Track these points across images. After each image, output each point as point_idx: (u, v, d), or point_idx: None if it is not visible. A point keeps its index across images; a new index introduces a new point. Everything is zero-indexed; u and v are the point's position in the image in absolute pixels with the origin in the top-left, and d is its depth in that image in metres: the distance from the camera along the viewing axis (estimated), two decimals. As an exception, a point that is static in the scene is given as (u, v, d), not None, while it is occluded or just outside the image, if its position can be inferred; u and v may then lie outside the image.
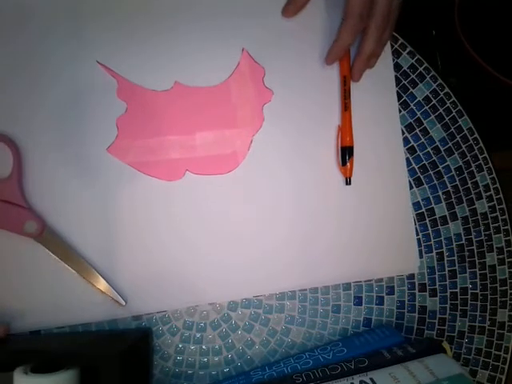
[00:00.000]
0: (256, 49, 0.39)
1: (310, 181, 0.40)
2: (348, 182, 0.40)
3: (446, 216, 0.42)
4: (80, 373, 0.31)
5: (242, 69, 0.39)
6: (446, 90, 0.43)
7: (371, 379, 0.32)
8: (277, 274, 0.39)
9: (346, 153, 0.40)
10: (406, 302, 0.42)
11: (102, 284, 0.37)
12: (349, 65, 0.40)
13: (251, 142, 0.39)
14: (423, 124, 0.43)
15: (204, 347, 0.39)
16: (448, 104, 0.43)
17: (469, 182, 0.43)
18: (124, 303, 0.37)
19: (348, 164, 0.40)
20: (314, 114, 0.40)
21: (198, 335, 0.39)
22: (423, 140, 0.43)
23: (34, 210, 0.37)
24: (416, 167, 0.42)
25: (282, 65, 0.40)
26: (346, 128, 0.40)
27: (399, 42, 0.42)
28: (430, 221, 0.42)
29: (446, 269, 0.42)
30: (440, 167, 0.43)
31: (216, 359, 0.39)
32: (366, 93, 0.41)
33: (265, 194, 0.40)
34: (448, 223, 0.42)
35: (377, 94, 0.41)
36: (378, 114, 0.41)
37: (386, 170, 0.41)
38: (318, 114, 0.40)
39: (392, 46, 0.42)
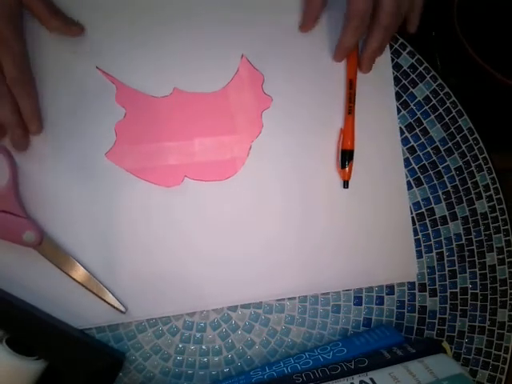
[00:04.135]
0: (255, 55, 0.39)
1: (309, 186, 0.40)
2: (345, 185, 0.40)
3: (445, 216, 0.42)
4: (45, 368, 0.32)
5: (241, 75, 0.39)
6: (446, 89, 0.43)
7: (371, 379, 0.32)
8: (272, 280, 0.39)
9: (345, 156, 0.40)
10: (406, 301, 0.42)
11: (101, 291, 0.37)
12: (355, 68, 0.40)
13: (250, 148, 0.39)
14: (423, 124, 0.43)
15: (204, 347, 0.39)
16: (448, 104, 0.43)
17: (469, 181, 0.43)
18: (124, 310, 0.37)
19: (347, 167, 0.40)
20: (312, 120, 0.40)
21: (198, 335, 0.39)
22: (423, 140, 0.43)
23: (32, 220, 0.36)
24: (416, 167, 0.42)
25: (281, 71, 0.40)
26: (348, 131, 0.40)
27: (399, 41, 0.42)
28: (429, 221, 0.42)
29: (446, 269, 0.42)
30: (440, 167, 0.43)
31: (216, 359, 0.39)
32: (366, 99, 0.41)
33: (264, 201, 0.39)
34: (448, 223, 0.42)
35: (376, 102, 0.41)
36: (377, 121, 0.41)
37: (384, 177, 0.41)
38: (317, 120, 0.40)
39: (392, 46, 0.42)
